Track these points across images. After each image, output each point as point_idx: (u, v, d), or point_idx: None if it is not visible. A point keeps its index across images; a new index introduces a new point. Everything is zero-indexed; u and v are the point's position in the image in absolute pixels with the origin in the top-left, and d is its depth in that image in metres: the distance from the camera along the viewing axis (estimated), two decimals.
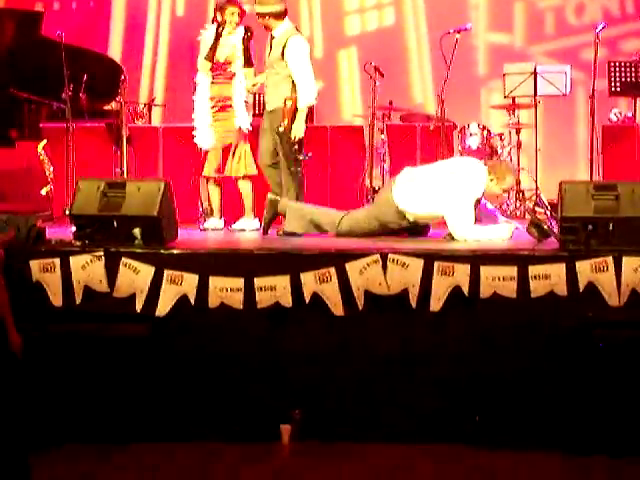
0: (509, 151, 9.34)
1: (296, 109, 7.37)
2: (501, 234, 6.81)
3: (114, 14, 11.22)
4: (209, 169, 7.66)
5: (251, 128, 7.64)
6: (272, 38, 7.56)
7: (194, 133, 7.67)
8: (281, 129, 7.36)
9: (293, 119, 7.35)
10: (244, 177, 7.66)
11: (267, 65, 7.57)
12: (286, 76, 7.47)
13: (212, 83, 7.66)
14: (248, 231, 7.63)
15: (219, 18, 7.65)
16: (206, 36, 7.73)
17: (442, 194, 6.81)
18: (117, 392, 5.93)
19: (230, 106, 7.63)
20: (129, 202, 6.31)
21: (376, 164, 9.02)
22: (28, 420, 4.89)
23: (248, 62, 7.66)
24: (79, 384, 5.94)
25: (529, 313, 5.81)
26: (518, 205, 9.10)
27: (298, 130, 7.37)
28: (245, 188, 7.70)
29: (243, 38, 7.62)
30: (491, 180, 6.84)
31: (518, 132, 9.30)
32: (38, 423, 5.72)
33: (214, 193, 7.78)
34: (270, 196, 7.29)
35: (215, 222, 7.76)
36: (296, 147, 7.42)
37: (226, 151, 7.62)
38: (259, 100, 8.99)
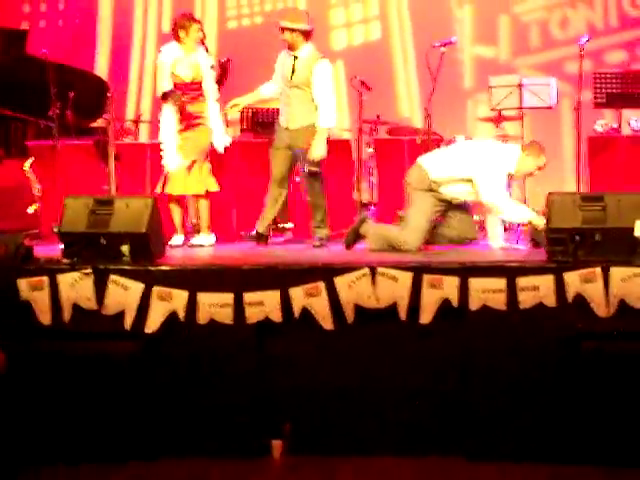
0: None
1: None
2: (533, 218, 6.82)
3: (100, 31, 11.23)
4: (172, 187, 7.66)
5: (229, 145, 7.68)
6: (295, 58, 7.57)
7: (162, 154, 7.67)
8: (314, 155, 7.43)
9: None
10: (202, 195, 7.67)
11: (289, 84, 7.56)
12: (312, 97, 7.53)
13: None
14: (207, 246, 7.63)
15: (182, 36, 7.65)
16: (169, 54, 7.70)
17: (473, 159, 6.93)
18: (106, 410, 5.90)
19: (200, 124, 7.64)
20: (117, 219, 6.30)
21: (364, 178, 9.03)
22: (17, 438, 4.87)
23: (219, 82, 7.69)
24: (69, 403, 5.91)
25: (518, 325, 5.81)
26: None
27: (323, 150, 7.47)
28: (203, 205, 7.71)
29: (223, 62, 7.63)
30: (527, 155, 6.93)
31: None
32: (29, 442, 5.70)
33: (176, 211, 7.80)
34: (363, 215, 7.35)
35: (177, 239, 7.76)
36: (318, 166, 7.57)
37: (184, 166, 7.63)
38: (247, 115, 9.00)
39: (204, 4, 11.10)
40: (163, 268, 6.11)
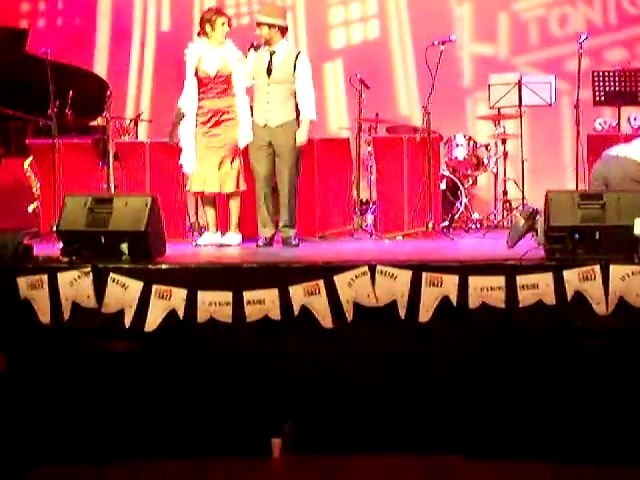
0: (495, 161, 9.38)
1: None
2: None
3: (99, 30, 11.21)
4: (199, 184, 7.66)
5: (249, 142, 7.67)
6: (272, 54, 7.60)
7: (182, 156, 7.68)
8: (299, 142, 7.51)
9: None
10: (234, 193, 7.67)
11: (266, 81, 7.58)
12: (292, 92, 7.58)
13: (202, 99, 7.64)
14: (234, 246, 7.63)
15: (208, 30, 7.65)
16: (194, 51, 7.70)
17: None
18: (106, 409, 5.90)
19: (229, 119, 7.63)
20: (116, 217, 6.31)
21: (363, 176, 9.04)
22: (21, 436, 4.88)
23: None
24: (69, 401, 5.91)
25: (518, 322, 5.82)
26: (505, 215, 9.13)
27: (306, 138, 7.57)
28: (234, 204, 7.71)
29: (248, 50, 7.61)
30: None
31: (504, 142, 9.33)
32: (31, 440, 5.71)
33: (208, 208, 7.79)
34: (532, 209, 7.04)
35: (210, 237, 7.75)
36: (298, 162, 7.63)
37: (216, 164, 7.61)
38: None
39: (202, 3, 11.09)
40: (162, 266, 6.12)
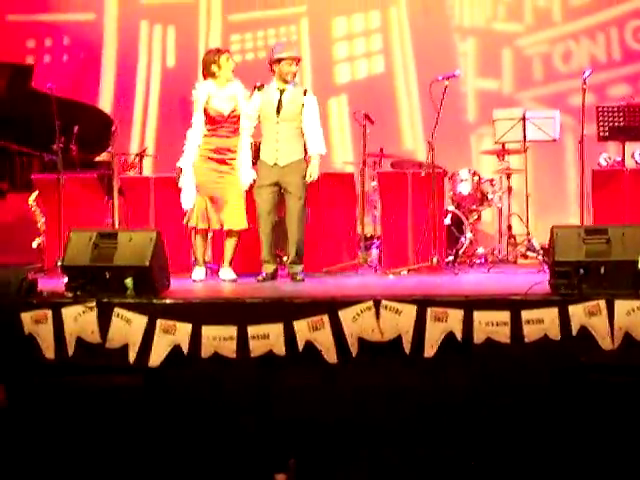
0: (500, 196, 9.39)
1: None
2: None
3: (104, 65, 11.29)
4: (199, 219, 7.69)
5: (252, 182, 7.72)
6: (282, 92, 7.65)
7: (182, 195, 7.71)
8: (310, 178, 7.59)
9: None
10: (234, 231, 7.70)
11: (275, 119, 7.62)
12: (300, 130, 7.66)
13: (211, 136, 7.68)
14: (227, 282, 7.63)
15: (215, 70, 7.68)
16: (202, 90, 7.72)
17: None
18: (110, 444, 5.89)
19: (234, 159, 7.68)
20: (121, 252, 6.33)
21: (368, 211, 9.06)
22: (21, 471, 4.87)
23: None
24: (73, 437, 5.90)
25: (523, 358, 5.81)
26: (510, 250, 9.14)
27: (316, 173, 7.64)
28: (231, 241, 7.75)
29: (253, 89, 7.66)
30: None
31: (509, 177, 9.34)
32: (31, 475, 5.69)
33: (202, 244, 7.82)
34: None
35: (202, 272, 7.78)
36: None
37: (219, 201, 7.66)
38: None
39: (208, 39, 11.19)
40: (167, 301, 6.13)
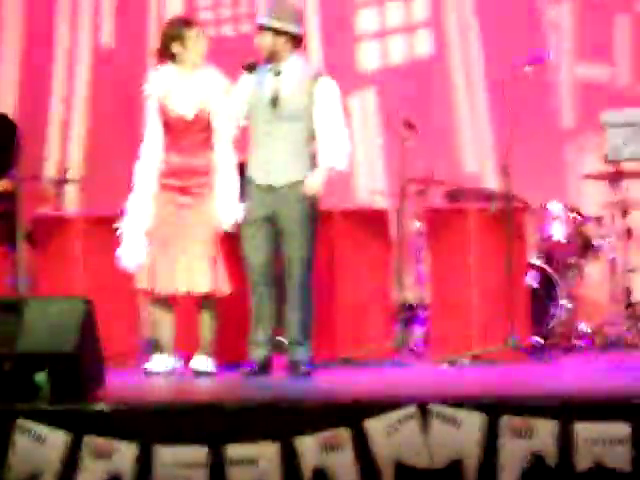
0: (613, 244, 9.42)
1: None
2: None
3: (2, 44, 11.38)
4: (155, 279, 7.76)
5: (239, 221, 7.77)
6: (278, 74, 7.73)
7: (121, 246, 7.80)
8: (309, 190, 7.61)
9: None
10: (208, 297, 7.77)
11: (270, 117, 7.69)
12: (308, 134, 7.71)
13: (169, 151, 7.80)
14: (204, 375, 7.69)
15: (177, 50, 7.79)
16: (158, 83, 7.83)
17: None
18: None
19: (203, 185, 7.77)
20: (30, 332, 6.37)
21: (409, 266, 9.09)
22: None
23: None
24: None
25: None
26: (629, 326, 9.15)
27: (317, 185, 7.66)
28: (206, 313, 7.81)
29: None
30: None
31: (626, 214, 9.38)
32: None
33: (164, 318, 7.88)
34: None
35: (164, 361, 7.81)
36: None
37: (184, 252, 7.73)
38: None
39: (163, 3, 11.29)
40: (100, 408, 6.16)
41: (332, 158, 7.69)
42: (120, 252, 7.80)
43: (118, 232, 7.82)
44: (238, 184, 7.80)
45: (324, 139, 7.70)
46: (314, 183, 7.64)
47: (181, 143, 7.78)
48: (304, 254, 7.69)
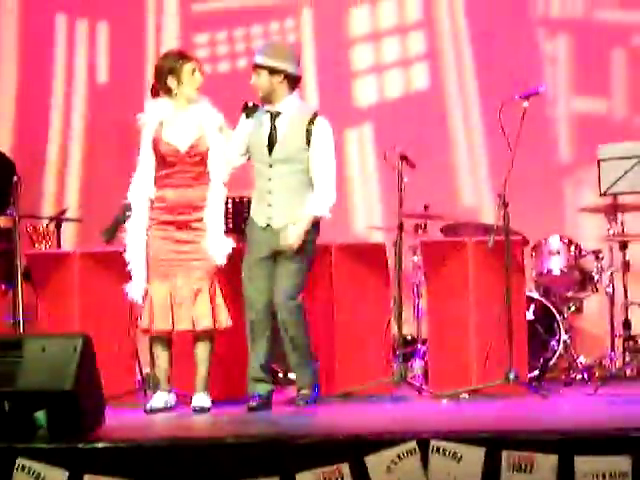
0: (611, 277, 9.43)
1: None
2: None
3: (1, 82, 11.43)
4: (154, 320, 7.73)
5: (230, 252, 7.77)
6: (275, 117, 7.76)
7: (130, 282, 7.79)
8: (286, 243, 7.63)
9: None
10: (205, 333, 7.76)
11: (267, 159, 7.72)
12: (306, 174, 7.74)
13: (165, 186, 7.79)
14: (198, 412, 7.66)
15: (172, 84, 7.79)
16: (153, 114, 7.84)
17: None
18: None
19: (200, 220, 7.75)
20: (28, 370, 6.35)
21: (407, 300, 9.09)
22: None
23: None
24: None
25: None
26: (628, 360, 9.15)
27: (295, 238, 7.65)
28: (202, 349, 7.78)
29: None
30: None
31: (624, 247, 9.39)
32: None
33: (163, 354, 7.87)
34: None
35: (164, 398, 7.80)
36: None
37: (183, 288, 7.72)
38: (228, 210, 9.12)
39: (159, 41, 11.31)
40: (99, 445, 6.13)
41: (315, 207, 7.72)
42: (128, 286, 7.82)
43: (127, 265, 7.82)
44: (224, 219, 7.86)
45: (317, 181, 7.74)
46: (293, 235, 7.67)
47: (175, 177, 7.78)
48: (291, 284, 7.72)
